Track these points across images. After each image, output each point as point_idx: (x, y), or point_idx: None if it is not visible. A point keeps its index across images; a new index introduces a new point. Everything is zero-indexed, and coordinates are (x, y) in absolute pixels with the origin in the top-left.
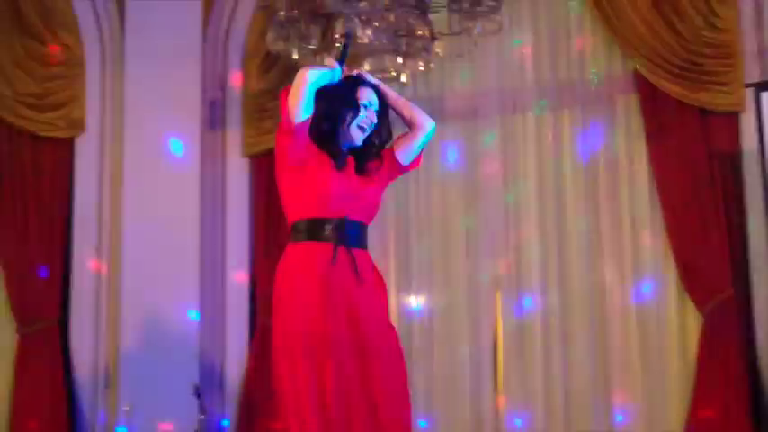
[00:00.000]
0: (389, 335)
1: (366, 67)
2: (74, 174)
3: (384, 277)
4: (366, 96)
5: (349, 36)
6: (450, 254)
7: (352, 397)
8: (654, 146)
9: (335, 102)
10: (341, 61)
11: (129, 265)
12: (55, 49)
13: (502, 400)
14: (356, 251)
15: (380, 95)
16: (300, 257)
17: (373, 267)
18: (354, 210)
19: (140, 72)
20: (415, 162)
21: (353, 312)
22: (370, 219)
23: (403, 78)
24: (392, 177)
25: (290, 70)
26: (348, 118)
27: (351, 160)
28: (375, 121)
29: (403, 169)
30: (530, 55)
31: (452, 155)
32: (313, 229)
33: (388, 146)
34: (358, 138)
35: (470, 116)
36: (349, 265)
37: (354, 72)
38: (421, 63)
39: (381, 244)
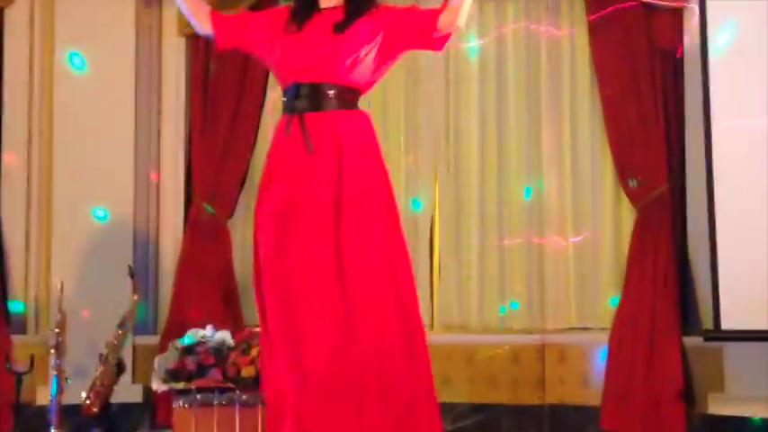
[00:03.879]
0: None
1: None
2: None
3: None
4: None
5: None
6: (389, 139)
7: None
8: (596, 38)
9: None
10: None
11: (60, 150)
12: None
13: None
14: (312, 116)
15: None
16: (274, 134)
17: (341, 132)
18: (305, 71)
19: None
20: (441, 40)
21: (297, 183)
22: (338, 77)
23: None
24: (407, 44)
25: None
26: None
27: (318, 19)
28: None
29: (429, 43)
30: None
31: None
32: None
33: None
34: None
35: None
36: (300, 135)
37: None
38: None
39: None
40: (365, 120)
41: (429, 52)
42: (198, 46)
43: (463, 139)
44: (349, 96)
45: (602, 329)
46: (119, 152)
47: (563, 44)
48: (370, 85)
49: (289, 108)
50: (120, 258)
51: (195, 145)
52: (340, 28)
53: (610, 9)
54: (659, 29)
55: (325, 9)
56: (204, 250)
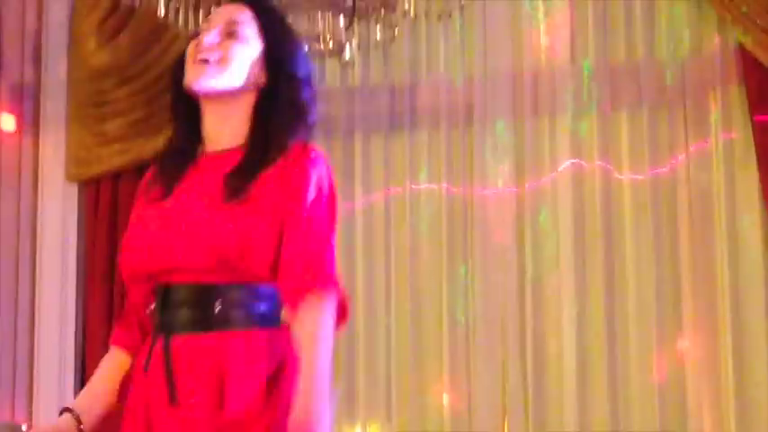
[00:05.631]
0: None
1: None
2: None
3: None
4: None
5: None
6: (424, 363)
7: None
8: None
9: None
10: None
11: None
12: None
13: None
14: (182, 339)
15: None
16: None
17: (225, 372)
18: (173, 268)
19: None
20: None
21: None
22: (235, 272)
23: (347, 53)
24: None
25: (153, 32)
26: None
27: (199, 175)
28: (219, 40)
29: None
30: (566, 21)
31: (428, 181)
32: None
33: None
34: (195, 80)
35: (461, 116)
36: (161, 372)
37: None
38: (379, 28)
39: None
40: (282, 347)
41: None
42: (99, 195)
43: (549, 355)
44: (253, 304)
45: None
46: None
47: (713, 182)
48: None
49: (153, 324)
50: None
51: (91, 345)
52: (236, 188)
53: None
54: None
55: (211, 154)
56: None
